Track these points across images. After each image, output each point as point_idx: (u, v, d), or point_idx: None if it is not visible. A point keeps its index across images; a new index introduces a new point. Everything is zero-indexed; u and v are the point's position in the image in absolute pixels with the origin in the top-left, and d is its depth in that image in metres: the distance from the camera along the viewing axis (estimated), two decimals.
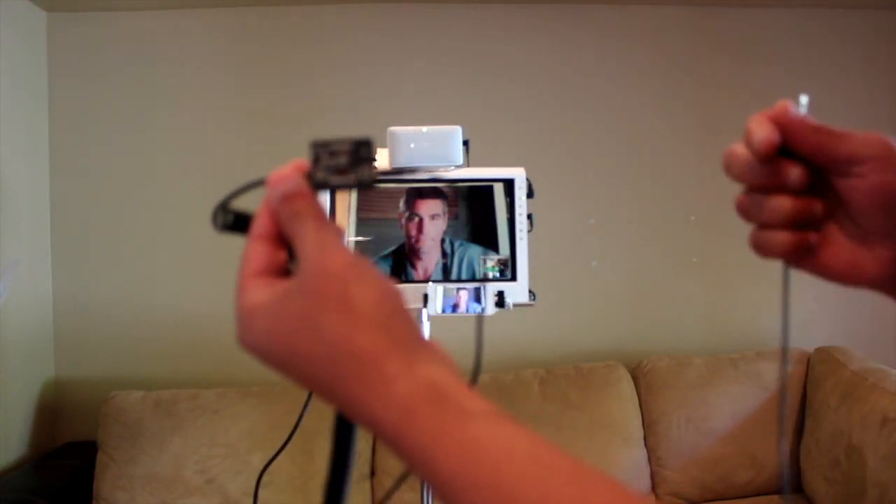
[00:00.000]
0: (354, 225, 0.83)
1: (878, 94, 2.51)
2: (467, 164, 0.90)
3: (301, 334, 0.31)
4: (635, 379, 2.21)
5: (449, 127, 0.85)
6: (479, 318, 0.39)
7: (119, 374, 2.25)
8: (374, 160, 0.36)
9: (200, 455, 1.94)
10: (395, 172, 0.82)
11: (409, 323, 0.32)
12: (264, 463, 0.84)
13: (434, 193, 0.89)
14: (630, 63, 2.44)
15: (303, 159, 0.36)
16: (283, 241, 0.34)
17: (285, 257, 0.35)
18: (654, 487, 2.11)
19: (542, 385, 2.12)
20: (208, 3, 2.27)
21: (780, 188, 0.37)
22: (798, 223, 0.38)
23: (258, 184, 0.37)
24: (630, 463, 2.08)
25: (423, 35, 2.38)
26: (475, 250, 0.91)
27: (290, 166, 0.36)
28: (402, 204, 0.88)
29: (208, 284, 2.30)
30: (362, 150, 0.35)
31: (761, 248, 0.39)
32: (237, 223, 0.36)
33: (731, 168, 0.38)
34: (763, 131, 0.36)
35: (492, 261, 0.90)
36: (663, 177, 2.44)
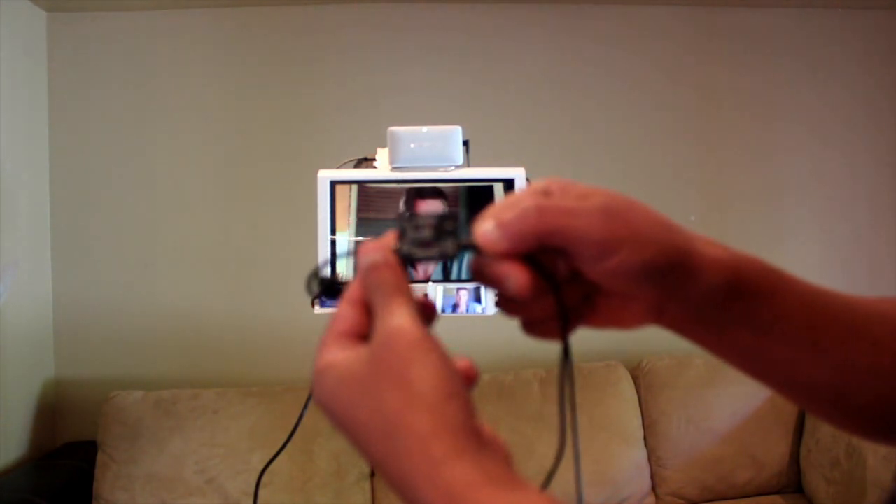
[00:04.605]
0: (354, 225, 0.83)
1: (878, 94, 2.50)
2: (467, 164, 0.90)
3: (361, 403, 0.32)
4: (635, 379, 2.21)
5: (449, 127, 0.85)
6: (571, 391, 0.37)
7: (119, 374, 2.25)
8: (457, 233, 0.37)
9: (200, 455, 1.94)
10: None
11: (465, 409, 0.32)
12: (264, 463, 0.84)
13: (434, 193, 0.88)
14: (629, 62, 2.44)
15: (394, 232, 0.37)
16: (369, 308, 0.36)
17: (368, 323, 0.35)
18: (654, 487, 2.11)
19: (542, 385, 2.12)
20: (208, 3, 2.27)
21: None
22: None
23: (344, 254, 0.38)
24: (630, 463, 2.08)
25: (422, 35, 2.38)
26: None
27: (382, 238, 0.37)
28: (401, 204, 0.88)
29: (208, 285, 2.30)
30: (446, 224, 0.37)
31: (537, 337, 0.40)
32: (329, 289, 0.38)
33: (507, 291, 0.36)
34: (515, 279, 0.35)
35: None
36: (663, 176, 2.44)
